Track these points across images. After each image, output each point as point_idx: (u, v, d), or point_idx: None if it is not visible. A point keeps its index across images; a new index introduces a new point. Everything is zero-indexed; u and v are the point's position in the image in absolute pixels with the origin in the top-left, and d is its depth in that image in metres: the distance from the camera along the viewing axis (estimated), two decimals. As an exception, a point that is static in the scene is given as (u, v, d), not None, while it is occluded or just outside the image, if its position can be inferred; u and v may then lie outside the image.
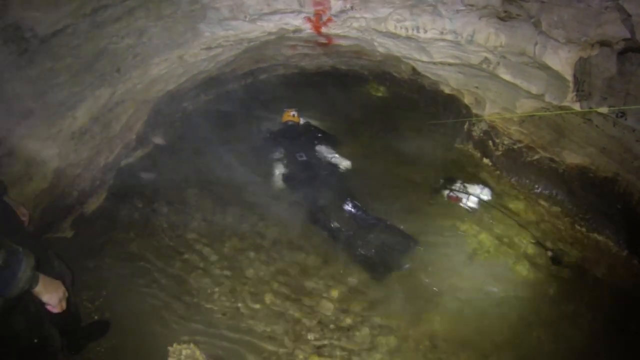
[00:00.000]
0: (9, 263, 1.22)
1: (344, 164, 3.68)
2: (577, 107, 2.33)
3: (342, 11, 2.95)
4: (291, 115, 4.00)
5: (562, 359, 2.19)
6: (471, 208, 3.13)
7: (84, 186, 3.08)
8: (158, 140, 4.04)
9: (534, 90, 2.58)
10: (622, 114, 2.09)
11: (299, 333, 2.33)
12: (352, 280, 2.64)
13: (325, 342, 2.28)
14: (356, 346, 2.26)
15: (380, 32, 2.98)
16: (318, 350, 2.24)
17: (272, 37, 3.43)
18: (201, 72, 3.87)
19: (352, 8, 2.90)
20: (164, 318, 2.40)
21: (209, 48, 3.42)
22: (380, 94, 5.10)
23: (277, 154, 3.70)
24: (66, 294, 1.48)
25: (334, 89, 4.92)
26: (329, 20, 3.09)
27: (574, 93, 2.28)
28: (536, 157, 3.08)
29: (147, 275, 2.68)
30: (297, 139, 3.75)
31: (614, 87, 2.02)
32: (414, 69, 3.76)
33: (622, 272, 2.54)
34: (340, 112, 4.62)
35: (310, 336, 2.31)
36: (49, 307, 1.42)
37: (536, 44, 2.27)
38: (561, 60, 2.19)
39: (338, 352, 2.23)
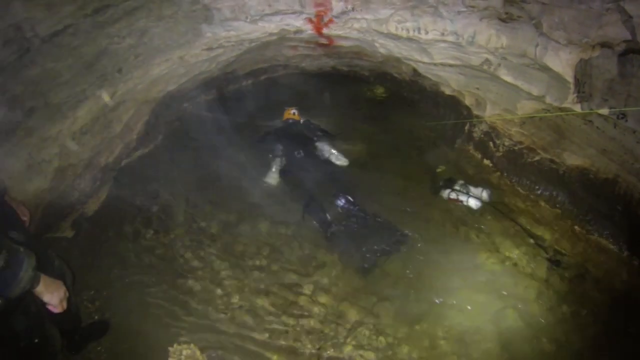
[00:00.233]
0: (10, 263, 1.22)
1: (342, 161, 3.69)
2: (577, 108, 2.34)
3: (344, 12, 2.96)
4: (291, 113, 4.03)
5: (563, 360, 2.19)
6: (471, 209, 3.13)
7: (85, 186, 3.08)
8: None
9: (534, 91, 2.58)
10: (623, 116, 2.10)
11: (298, 333, 2.33)
12: (350, 280, 2.64)
13: (325, 342, 2.27)
14: (356, 346, 2.25)
15: (381, 33, 2.98)
16: (317, 350, 2.24)
17: (273, 37, 3.43)
18: (202, 73, 3.87)
19: (353, 9, 2.90)
20: (165, 318, 2.40)
21: (210, 49, 3.42)
22: (381, 95, 5.11)
23: (276, 151, 3.73)
24: (67, 294, 1.48)
25: (335, 90, 4.93)
26: (330, 21, 3.09)
27: (575, 94, 2.29)
28: (537, 158, 3.08)
29: (148, 276, 2.67)
30: (297, 137, 3.77)
31: (615, 88, 2.03)
32: (414, 70, 3.76)
33: (622, 274, 2.54)
34: (341, 113, 4.63)
35: (310, 336, 2.31)
36: (50, 307, 1.42)
37: (537, 45, 2.27)
38: (562, 62, 2.19)
39: (338, 352, 2.22)
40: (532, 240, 2.81)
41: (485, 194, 3.18)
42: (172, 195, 3.43)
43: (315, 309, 2.46)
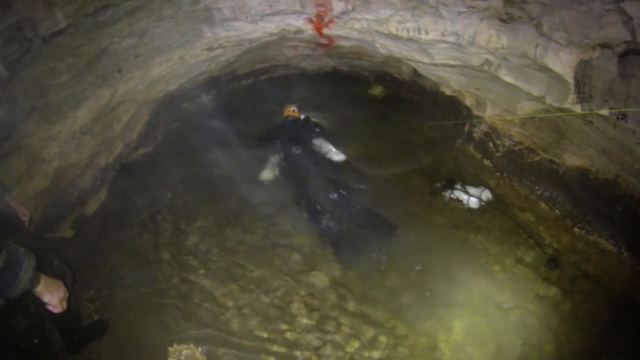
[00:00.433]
0: (10, 263, 1.22)
1: (339, 156, 3.72)
2: (577, 109, 2.34)
3: (344, 12, 2.96)
4: (291, 110, 4.08)
5: (562, 360, 2.20)
6: (471, 209, 3.13)
7: (85, 186, 3.08)
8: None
9: (534, 92, 2.58)
10: (623, 116, 2.10)
11: (298, 333, 2.33)
12: (349, 280, 2.64)
13: (324, 342, 2.27)
14: (355, 346, 2.25)
15: (381, 33, 2.98)
16: (317, 350, 2.24)
17: (274, 38, 3.44)
18: (202, 73, 3.88)
19: (353, 9, 2.91)
20: (164, 318, 2.40)
21: (210, 49, 3.42)
22: (381, 95, 5.10)
23: (275, 148, 3.79)
24: (67, 294, 1.48)
25: (335, 90, 4.93)
26: (331, 21, 3.10)
27: (575, 95, 2.29)
28: (537, 158, 3.08)
29: (148, 275, 2.67)
30: (295, 133, 3.82)
31: (615, 89, 2.03)
32: (415, 71, 3.77)
33: (622, 274, 2.54)
34: (341, 113, 4.63)
35: (310, 336, 2.31)
36: (50, 308, 1.42)
37: (537, 46, 2.27)
38: (562, 62, 2.20)
39: (338, 352, 2.23)
40: (532, 240, 2.81)
41: (485, 194, 3.18)
42: (172, 194, 3.43)
43: (316, 310, 2.46)
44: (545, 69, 2.34)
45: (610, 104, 2.09)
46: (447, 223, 3.06)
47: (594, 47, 2.04)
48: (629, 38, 1.87)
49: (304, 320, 2.40)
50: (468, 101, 3.52)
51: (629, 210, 2.46)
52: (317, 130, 3.97)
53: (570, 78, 2.23)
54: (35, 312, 1.49)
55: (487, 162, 3.59)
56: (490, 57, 2.66)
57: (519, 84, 2.64)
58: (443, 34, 2.66)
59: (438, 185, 3.38)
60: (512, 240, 2.85)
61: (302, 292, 2.57)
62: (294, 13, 3.07)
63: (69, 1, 2.18)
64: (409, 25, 2.75)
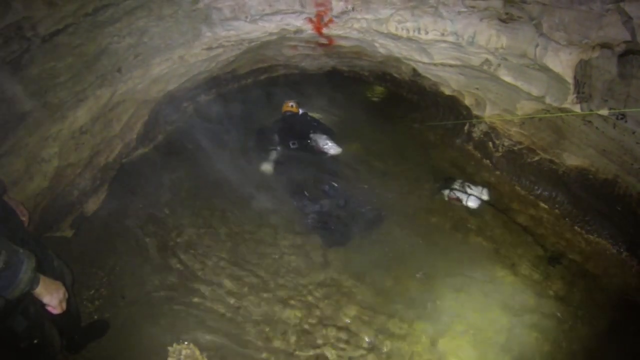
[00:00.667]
0: (10, 264, 1.22)
1: (335, 150, 3.76)
2: (577, 109, 2.34)
3: (344, 12, 2.96)
4: (289, 106, 4.11)
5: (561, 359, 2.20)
6: (471, 208, 3.13)
7: (85, 185, 3.08)
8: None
9: (534, 92, 2.59)
10: (623, 116, 2.10)
11: (299, 333, 2.33)
12: (350, 280, 2.65)
13: (325, 342, 2.28)
14: (356, 345, 2.26)
15: (381, 33, 2.98)
16: (317, 350, 2.24)
17: (273, 37, 3.44)
18: (202, 72, 3.87)
19: (353, 9, 2.91)
20: (164, 318, 2.40)
21: (210, 48, 3.42)
22: (380, 95, 5.10)
23: (273, 142, 3.86)
24: (66, 295, 1.47)
25: (335, 90, 4.93)
26: (330, 21, 3.10)
27: (575, 95, 2.29)
28: (536, 158, 3.09)
29: (147, 275, 2.67)
30: (293, 128, 3.86)
31: (615, 89, 2.03)
32: (414, 70, 3.77)
33: (622, 274, 2.54)
34: (341, 113, 4.64)
35: (310, 336, 2.31)
36: (49, 309, 1.42)
37: (537, 45, 2.27)
38: (562, 62, 2.20)
39: (338, 352, 2.23)
40: (531, 240, 2.81)
41: (484, 194, 3.18)
42: (172, 194, 3.42)
43: (316, 310, 2.46)
44: (544, 69, 2.34)
45: (610, 104, 2.10)
46: (446, 222, 3.06)
47: (593, 47, 2.04)
48: (628, 38, 1.87)
49: (306, 320, 2.39)
50: (468, 101, 3.52)
51: (628, 210, 2.47)
52: (314, 124, 4.02)
53: (569, 78, 2.23)
54: (35, 312, 1.48)
55: (486, 161, 3.59)
56: (490, 57, 2.66)
57: (519, 83, 2.65)
58: (443, 34, 2.66)
59: (437, 184, 3.38)
60: (512, 239, 2.85)
61: (304, 293, 2.57)
62: (293, 13, 3.07)
63: (68, 0, 2.18)
64: (408, 25, 2.75)
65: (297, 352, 2.23)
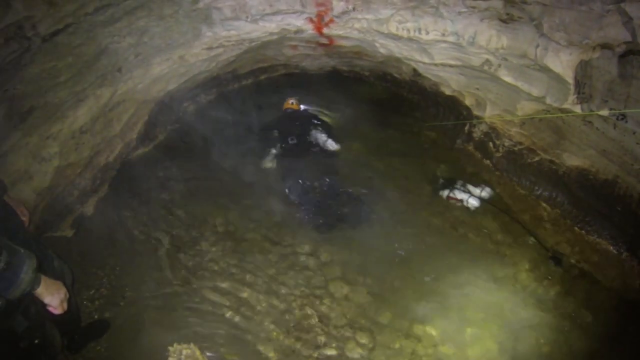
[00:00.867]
0: (11, 264, 1.21)
1: (333, 146, 3.80)
2: (577, 109, 2.34)
3: (344, 12, 2.96)
4: (290, 103, 4.20)
5: (562, 360, 2.20)
6: (471, 208, 3.13)
7: (85, 185, 3.08)
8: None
9: (534, 92, 2.59)
10: (623, 117, 2.10)
11: (300, 332, 2.33)
12: (351, 279, 2.65)
13: (326, 341, 2.28)
14: (355, 346, 2.26)
15: (381, 33, 2.98)
16: (318, 350, 2.24)
17: (274, 37, 3.43)
18: (202, 72, 3.87)
19: (354, 9, 2.90)
20: (165, 317, 2.39)
21: (210, 48, 3.42)
22: (381, 95, 5.10)
23: (272, 139, 3.96)
24: (67, 295, 1.47)
25: (335, 90, 4.93)
26: (331, 21, 3.09)
27: (575, 95, 2.29)
28: (536, 159, 3.09)
29: (148, 275, 2.67)
30: (293, 124, 3.92)
31: (615, 89, 2.03)
32: (415, 71, 3.77)
33: (622, 274, 2.54)
34: (341, 113, 4.64)
35: (310, 336, 2.31)
36: (50, 309, 1.42)
37: (537, 46, 2.27)
38: (562, 63, 2.20)
39: (339, 352, 2.23)
40: (532, 241, 2.82)
41: (484, 194, 3.18)
42: (173, 194, 3.42)
43: (317, 310, 2.46)
44: (545, 70, 2.34)
45: (610, 104, 2.10)
46: (446, 222, 3.06)
47: (594, 48, 2.04)
48: (629, 39, 1.87)
49: (306, 320, 2.40)
50: (468, 101, 3.52)
51: (628, 211, 2.47)
52: (314, 121, 4.06)
53: (570, 78, 2.23)
54: (36, 312, 1.48)
55: (486, 162, 3.59)
56: (491, 57, 2.66)
57: (519, 84, 2.65)
58: (443, 34, 2.66)
59: (438, 184, 3.38)
60: (512, 240, 2.85)
61: (306, 291, 2.57)
62: (294, 13, 3.07)
63: (69, 0, 2.17)
64: (409, 25, 2.74)
65: (298, 352, 2.23)
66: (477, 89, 3.25)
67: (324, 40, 3.62)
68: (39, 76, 2.29)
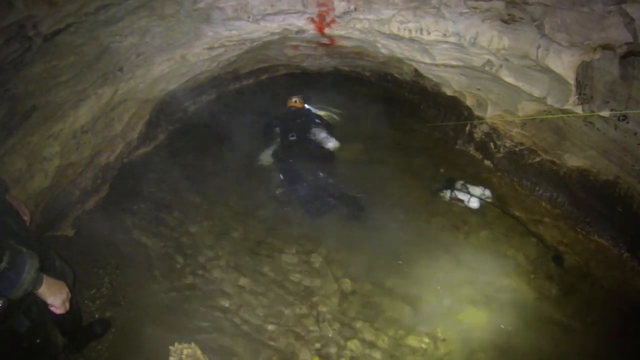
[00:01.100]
0: (13, 264, 1.21)
1: (333, 143, 3.83)
2: (579, 110, 2.35)
3: (346, 12, 2.96)
4: (293, 101, 4.26)
5: (562, 361, 2.20)
6: (472, 209, 3.14)
7: (86, 185, 3.08)
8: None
9: (536, 93, 2.59)
10: (624, 118, 2.11)
11: (300, 332, 2.33)
12: (353, 279, 2.65)
13: (327, 341, 2.28)
14: (356, 345, 2.26)
15: (383, 33, 2.98)
16: (318, 351, 2.24)
17: (275, 37, 3.43)
18: (203, 72, 3.87)
19: (355, 9, 2.90)
20: (166, 317, 2.39)
21: (212, 48, 3.42)
22: (382, 96, 5.10)
23: (274, 135, 4.04)
24: (69, 295, 1.47)
25: (336, 90, 4.93)
26: (332, 21, 3.09)
27: (576, 96, 2.29)
28: (537, 159, 3.09)
29: (149, 274, 2.67)
30: (295, 122, 3.97)
31: (616, 90, 2.03)
32: (416, 71, 3.77)
33: (623, 275, 2.55)
34: (342, 113, 4.64)
35: (311, 336, 2.31)
36: (52, 309, 1.42)
37: (539, 47, 2.28)
38: (564, 64, 2.20)
39: (339, 351, 2.23)
40: (533, 241, 2.82)
41: (486, 194, 3.18)
42: (173, 193, 3.43)
43: (318, 309, 2.46)
44: (546, 70, 2.34)
45: (612, 105, 2.10)
46: (447, 222, 3.06)
47: (595, 49, 2.04)
48: (630, 40, 1.87)
49: (307, 320, 2.40)
50: (469, 102, 3.52)
51: (629, 211, 2.47)
52: (316, 120, 4.08)
53: (571, 79, 2.23)
54: (37, 312, 1.48)
55: (487, 162, 3.59)
56: (492, 58, 2.66)
57: (520, 84, 2.65)
58: (445, 35, 2.66)
59: (439, 185, 3.38)
60: (514, 240, 2.85)
61: (308, 291, 2.57)
62: (295, 13, 3.07)
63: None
64: (410, 25, 2.75)
65: (298, 351, 2.23)
66: (478, 89, 3.25)
67: (325, 41, 3.62)
68: (40, 76, 2.29)
